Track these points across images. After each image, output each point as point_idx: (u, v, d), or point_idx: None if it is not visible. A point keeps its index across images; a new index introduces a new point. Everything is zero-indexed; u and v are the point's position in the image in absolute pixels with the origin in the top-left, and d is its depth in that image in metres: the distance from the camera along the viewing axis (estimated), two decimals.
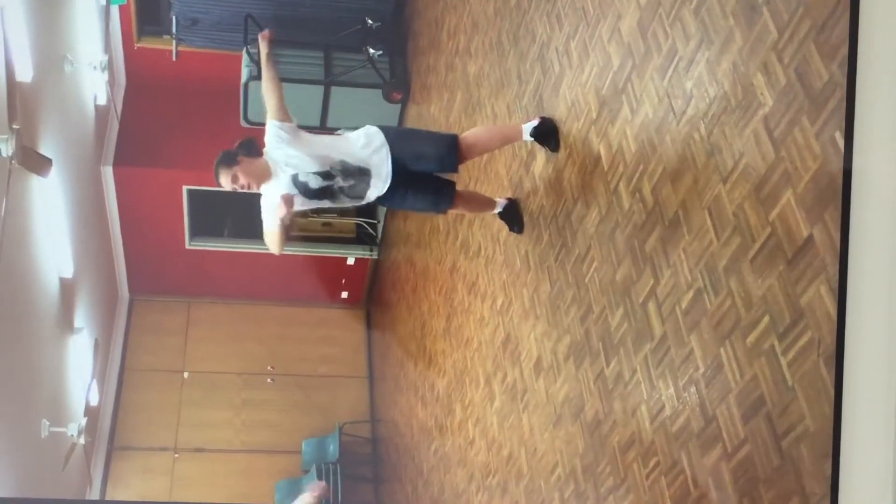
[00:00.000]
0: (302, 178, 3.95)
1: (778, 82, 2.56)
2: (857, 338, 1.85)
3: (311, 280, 10.21)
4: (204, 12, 8.20)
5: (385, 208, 9.10)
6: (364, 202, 4.14)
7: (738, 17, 2.75)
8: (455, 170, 4.18)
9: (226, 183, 3.97)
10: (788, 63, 2.52)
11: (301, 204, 4.01)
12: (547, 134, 4.13)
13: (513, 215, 4.56)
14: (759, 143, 2.64)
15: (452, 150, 4.12)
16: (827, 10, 2.37)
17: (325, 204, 4.08)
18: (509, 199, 4.60)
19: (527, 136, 4.19)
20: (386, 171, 4.03)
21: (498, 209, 4.61)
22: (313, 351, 10.31)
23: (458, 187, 4.45)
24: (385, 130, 4.11)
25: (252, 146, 4.02)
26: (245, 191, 3.99)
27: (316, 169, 3.96)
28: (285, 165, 3.95)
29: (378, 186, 4.05)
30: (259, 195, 4.10)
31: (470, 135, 4.22)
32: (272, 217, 3.97)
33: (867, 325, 1.82)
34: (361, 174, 4.01)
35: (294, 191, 3.96)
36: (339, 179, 3.99)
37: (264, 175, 3.98)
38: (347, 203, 4.13)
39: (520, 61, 4.71)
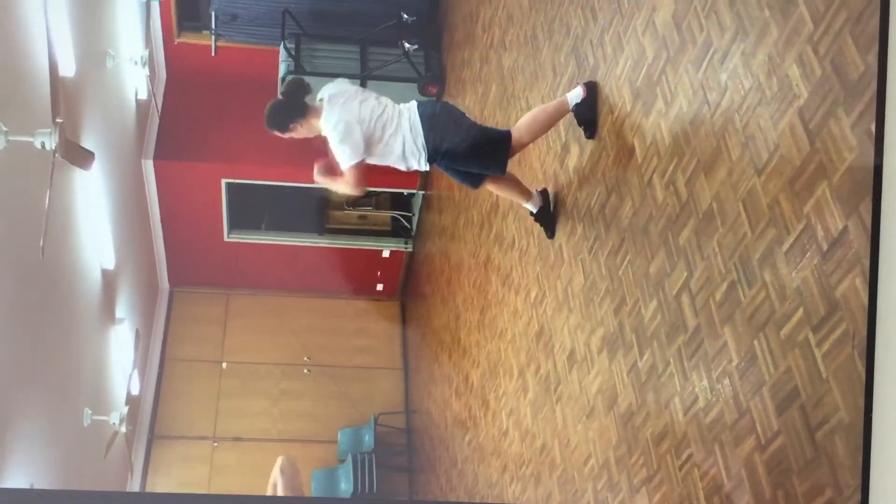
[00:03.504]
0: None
1: (813, 74, 2.54)
2: (889, 330, 1.84)
3: (346, 272, 10.26)
4: (242, 8, 8.27)
5: (420, 201, 9.15)
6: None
7: (774, 9, 2.73)
8: (503, 171, 4.26)
9: (281, 135, 4.06)
10: (824, 55, 2.50)
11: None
12: (586, 117, 4.11)
13: (546, 219, 4.57)
14: (794, 135, 2.62)
15: (503, 162, 4.22)
16: (863, 0, 2.36)
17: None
18: (543, 196, 4.60)
19: (572, 104, 4.14)
20: (424, 160, 4.15)
21: (532, 208, 4.61)
22: (349, 342, 10.36)
23: None
24: (433, 128, 4.16)
25: (301, 88, 4.06)
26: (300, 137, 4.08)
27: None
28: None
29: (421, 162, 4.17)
30: None
31: (521, 127, 4.20)
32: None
33: None
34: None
35: None
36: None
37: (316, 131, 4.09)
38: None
39: (554, 54, 4.70)
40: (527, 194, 4.61)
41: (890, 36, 1.91)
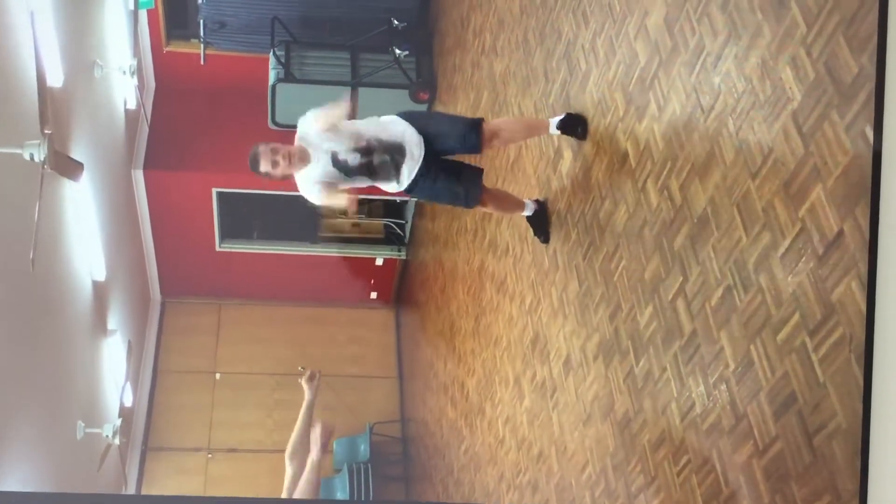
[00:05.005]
0: (342, 157, 4.03)
1: (807, 77, 2.54)
2: (887, 334, 1.83)
3: (339, 281, 10.24)
4: (231, 15, 8.25)
5: (413, 208, 9.13)
6: (398, 183, 4.14)
7: (767, 12, 2.73)
8: (478, 148, 4.18)
9: (265, 165, 4.04)
10: (817, 57, 2.50)
11: (343, 183, 4.07)
12: (573, 124, 4.13)
13: (540, 223, 4.57)
14: (788, 139, 2.62)
15: (474, 128, 4.18)
16: (856, 1, 2.35)
17: (364, 182, 4.11)
18: (538, 203, 4.60)
19: (553, 130, 4.19)
20: (419, 151, 4.09)
21: (527, 212, 4.61)
22: (343, 351, 10.34)
23: (488, 185, 4.47)
24: (409, 115, 4.20)
25: None
26: (282, 172, 4.05)
27: (353, 145, 4.05)
28: (323, 142, 4.04)
29: (411, 164, 4.09)
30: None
31: (495, 121, 4.27)
32: (318, 194, 4.09)
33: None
34: (397, 149, 4.09)
35: (333, 171, 4.04)
36: (377, 155, 4.07)
37: (303, 157, 4.06)
38: (383, 182, 4.14)
39: (546, 59, 4.70)
40: (520, 206, 4.63)
41: (889, 32, 1.90)
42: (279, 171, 4.03)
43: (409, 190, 4.19)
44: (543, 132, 4.31)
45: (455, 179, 4.26)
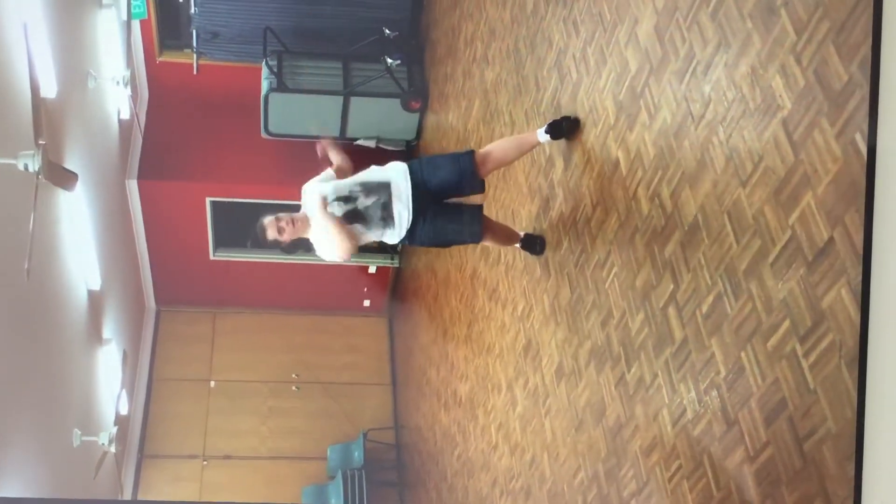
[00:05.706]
0: (331, 210, 4.11)
1: (797, 84, 2.54)
2: (880, 339, 1.83)
3: (333, 289, 10.25)
4: (224, 26, 8.25)
5: None
6: (393, 224, 4.15)
7: (756, 20, 2.74)
8: (474, 172, 4.18)
9: (272, 233, 4.16)
10: (807, 65, 2.50)
11: (339, 235, 4.09)
12: (559, 126, 4.16)
13: (532, 244, 4.61)
14: (778, 146, 2.63)
15: (466, 152, 4.24)
16: (846, 10, 2.35)
17: (359, 229, 4.15)
18: (526, 234, 4.68)
19: (543, 138, 4.21)
20: (405, 183, 4.13)
21: (522, 235, 4.67)
22: (337, 359, 10.36)
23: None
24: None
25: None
26: (288, 237, 4.15)
27: (335, 196, 4.13)
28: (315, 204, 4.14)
29: (399, 205, 4.12)
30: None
31: (484, 148, 4.30)
32: (332, 248, 4.14)
33: (890, 327, 1.81)
34: (381, 188, 4.14)
35: None
36: (361, 198, 4.13)
37: (304, 221, 4.16)
38: (380, 225, 4.15)
39: (537, 68, 4.71)
40: (516, 237, 4.69)
41: (883, 35, 1.90)
42: (286, 236, 4.14)
43: (411, 234, 4.19)
44: (535, 145, 4.32)
45: (455, 216, 4.28)
